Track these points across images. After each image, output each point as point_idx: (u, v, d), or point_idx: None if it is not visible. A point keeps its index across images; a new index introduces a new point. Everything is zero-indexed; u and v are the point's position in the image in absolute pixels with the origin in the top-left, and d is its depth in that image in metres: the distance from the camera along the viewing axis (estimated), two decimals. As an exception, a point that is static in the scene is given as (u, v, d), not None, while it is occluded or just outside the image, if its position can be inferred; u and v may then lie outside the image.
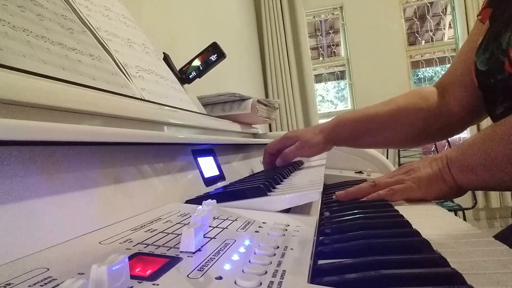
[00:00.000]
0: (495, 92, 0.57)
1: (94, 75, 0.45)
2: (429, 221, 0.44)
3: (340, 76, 3.69)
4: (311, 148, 0.75)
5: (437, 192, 0.53)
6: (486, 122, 0.70)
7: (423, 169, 0.55)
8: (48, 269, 0.20)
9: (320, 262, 0.28)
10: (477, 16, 0.67)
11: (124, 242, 0.26)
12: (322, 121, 3.53)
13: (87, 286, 0.16)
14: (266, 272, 0.22)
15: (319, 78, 3.72)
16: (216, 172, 0.59)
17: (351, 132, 0.75)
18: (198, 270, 0.21)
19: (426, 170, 0.54)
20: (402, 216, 0.41)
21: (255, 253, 0.25)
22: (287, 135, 0.78)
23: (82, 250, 0.24)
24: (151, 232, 0.28)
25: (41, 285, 0.18)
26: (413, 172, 0.55)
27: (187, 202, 0.43)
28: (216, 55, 0.88)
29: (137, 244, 0.25)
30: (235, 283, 0.20)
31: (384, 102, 0.75)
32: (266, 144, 1.03)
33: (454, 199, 2.87)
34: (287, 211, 0.43)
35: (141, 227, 0.30)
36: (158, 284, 0.19)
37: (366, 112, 0.74)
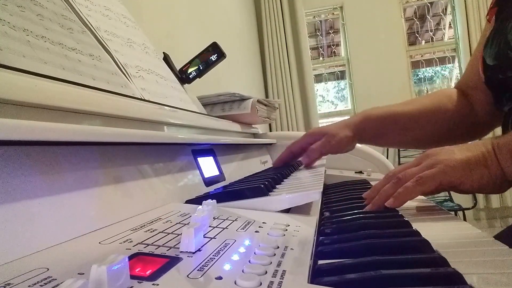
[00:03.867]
0: (503, 88, 0.56)
1: (94, 75, 0.45)
2: (429, 221, 0.44)
3: (340, 76, 3.69)
4: (338, 143, 0.71)
5: (477, 179, 0.44)
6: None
7: (459, 152, 0.45)
8: (48, 269, 0.20)
9: (320, 262, 0.28)
10: (486, 16, 0.67)
11: (124, 242, 0.26)
12: (322, 121, 3.53)
13: (87, 286, 0.16)
14: (266, 272, 0.22)
15: (319, 78, 3.72)
16: (216, 172, 0.59)
17: (377, 129, 0.73)
18: (198, 270, 0.21)
19: (464, 153, 0.45)
20: (402, 216, 0.41)
21: (255, 253, 0.25)
22: (310, 132, 0.76)
23: (82, 250, 0.24)
24: (151, 232, 0.28)
25: (41, 285, 0.18)
26: (446, 154, 0.46)
27: (187, 202, 0.43)
28: (216, 55, 0.88)
29: (137, 244, 0.25)
30: (235, 283, 0.20)
31: (408, 101, 0.74)
32: (266, 144, 1.03)
33: (453, 200, 2.88)
34: (287, 211, 0.43)
35: (141, 227, 0.30)
36: (158, 284, 0.19)
37: (393, 110, 0.73)
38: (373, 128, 0.73)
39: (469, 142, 0.49)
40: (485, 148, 0.45)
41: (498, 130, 0.62)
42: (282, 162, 0.78)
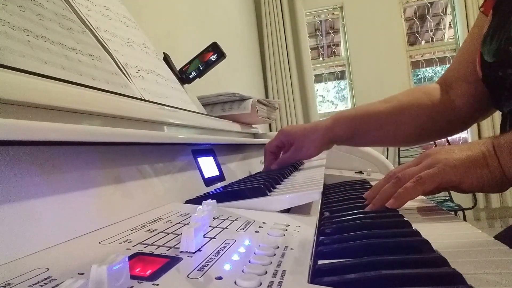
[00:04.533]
0: (502, 86, 0.55)
1: (94, 75, 0.45)
2: (429, 221, 0.44)
3: (340, 76, 3.69)
4: (306, 149, 0.72)
5: (477, 179, 0.44)
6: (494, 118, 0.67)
7: (459, 151, 0.46)
8: (48, 269, 0.20)
9: (320, 262, 0.28)
10: (479, 8, 0.65)
11: (124, 242, 0.26)
12: (322, 121, 3.52)
13: (87, 286, 0.16)
14: (266, 272, 0.22)
15: (319, 78, 3.72)
16: (216, 172, 0.59)
17: (350, 130, 0.71)
18: (198, 270, 0.21)
19: (464, 152, 0.45)
20: (402, 216, 0.41)
21: (255, 253, 0.25)
22: (283, 131, 0.76)
23: (82, 250, 0.24)
24: (151, 232, 0.28)
25: (41, 285, 0.18)
26: (446, 154, 0.46)
27: (187, 202, 0.43)
28: (216, 55, 0.88)
29: (137, 244, 0.25)
30: (235, 283, 0.20)
31: (385, 99, 0.73)
32: (266, 144, 1.03)
33: (453, 200, 2.88)
34: (287, 211, 0.43)
35: (141, 227, 0.30)
36: (158, 284, 0.19)
37: (366, 109, 0.72)
38: (346, 130, 0.71)
39: (470, 141, 0.49)
40: (485, 147, 0.45)
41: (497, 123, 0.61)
42: (271, 164, 0.78)
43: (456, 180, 0.44)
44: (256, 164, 0.89)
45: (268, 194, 0.43)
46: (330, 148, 0.76)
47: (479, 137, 3.08)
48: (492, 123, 2.98)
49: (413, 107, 0.70)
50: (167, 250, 0.24)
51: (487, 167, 0.44)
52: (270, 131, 3.07)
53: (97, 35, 0.55)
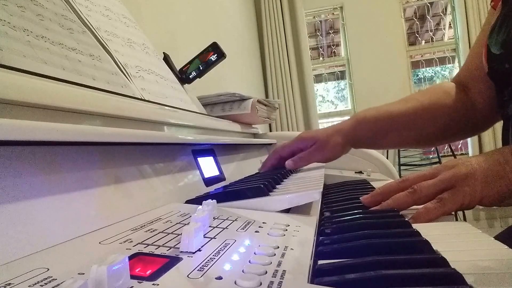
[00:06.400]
0: (507, 80, 0.53)
1: (94, 75, 0.45)
2: (428, 222, 0.44)
3: (340, 76, 3.69)
4: (329, 151, 0.69)
5: (498, 193, 0.42)
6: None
7: (477, 164, 0.44)
8: (48, 269, 0.20)
9: (320, 262, 0.28)
10: (490, 3, 0.63)
11: (124, 242, 0.26)
12: (322, 121, 3.53)
13: (87, 286, 0.16)
14: (266, 272, 0.22)
15: (319, 78, 3.72)
16: (216, 172, 0.59)
17: (373, 132, 0.69)
18: (198, 270, 0.21)
19: (482, 165, 0.43)
20: (402, 216, 0.41)
21: (255, 253, 0.25)
22: (302, 136, 0.72)
23: (82, 250, 0.24)
24: (151, 232, 0.28)
25: (41, 285, 0.18)
26: (464, 167, 0.44)
27: (187, 202, 0.43)
28: (216, 55, 0.88)
29: (137, 244, 0.25)
30: (235, 283, 0.20)
31: (403, 99, 0.70)
32: (266, 144, 1.03)
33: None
34: (287, 211, 0.43)
35: (141, 227, 0.30)
36: (158, 284, 0.19)
37: (388, 110, 0.69)
38: (368, 132, 0.69)
39: (485, 152, 0.46)
40: (502, 157, 0.43)
41: (498, 126, 0.59)
42: (271, 167, 0.74)
43: (478, 198, 0.43)
44: (256, 164, 0.89)
45: (268, 194, 0.43)
46: (348, 151, 0.73)
47: (479, 138, 3.08)
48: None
49: (435, 108, 0.67)
50: (167, 250, 0.24)
51: (506, 178, 0.42)
52: (270, 131, 3.07)
53: (97, 35, 0.55)
